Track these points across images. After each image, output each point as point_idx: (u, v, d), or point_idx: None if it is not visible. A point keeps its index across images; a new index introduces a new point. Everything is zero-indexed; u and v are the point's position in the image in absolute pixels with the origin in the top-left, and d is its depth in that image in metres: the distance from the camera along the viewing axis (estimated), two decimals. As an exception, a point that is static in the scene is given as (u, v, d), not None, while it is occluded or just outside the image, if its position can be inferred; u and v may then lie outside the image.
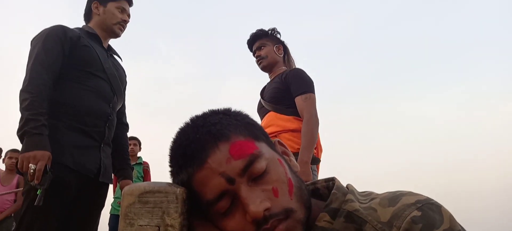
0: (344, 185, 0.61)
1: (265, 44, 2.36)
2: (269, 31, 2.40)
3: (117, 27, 1.96)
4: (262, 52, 2.35)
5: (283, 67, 2.37)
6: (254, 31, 2.42)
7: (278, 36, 2.42)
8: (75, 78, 1.73)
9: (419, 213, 0.48)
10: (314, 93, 2.15)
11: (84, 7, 2.01)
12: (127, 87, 2.14)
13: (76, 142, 1.65)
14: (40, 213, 1.53)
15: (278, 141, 0.63)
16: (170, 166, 0.59)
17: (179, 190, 0.51)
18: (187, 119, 0.62)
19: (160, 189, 0.51)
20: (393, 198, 0.52)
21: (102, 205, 1.90)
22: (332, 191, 0.57)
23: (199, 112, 0.62)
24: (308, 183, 0.64)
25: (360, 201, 0.55)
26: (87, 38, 1.84)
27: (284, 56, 2.41)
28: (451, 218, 0.49)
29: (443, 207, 0.50)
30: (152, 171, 4.42)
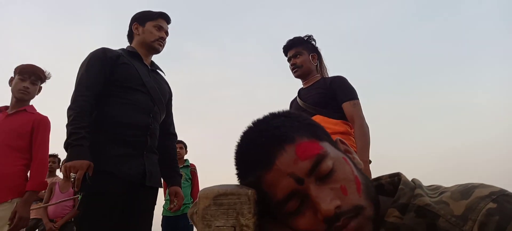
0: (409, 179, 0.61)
1: (301, 53, 2.44)
2: (305, 38, 2.48)
3: (156, 44, 2.10)
4: (298, 61, 2.44)
5: (318, 75, 2.46)
6: (291, 37, 2.50)
7: (314, 43, 2.49)
8: (116, 94, 1.88)
9: (494, 205, 0.47)
10: (359, 100, 2.27)
11: (127, 29, 2.19)
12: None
13: (119, 152, 1.79)
14: (92, 219, 1.69)
15: (340, 140, 0.64)
16: (237, 169, 0.62)
17: (250, 192, 0.54)
18: (249, 122, 0.64)
19: (232, 191, 0.54)
20: (465, 191, 0.51)
21: (151, 208, 2.02)
22: (400, 187, 0.57)
23: (260, 116, 0.65)
24: (371, 179, 0.65)
25: (429, 195, 0.55)
26: (127, 57, 1.99)
27: (317, 64, 2.49)
28: None
29: None
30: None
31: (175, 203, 2.13)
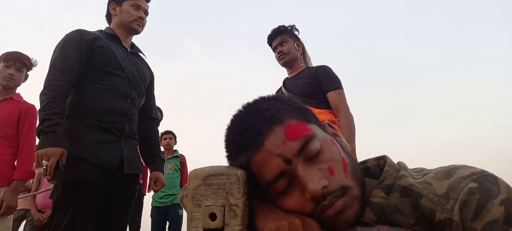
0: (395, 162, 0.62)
1: (287, 41, 2.48)
2: (289, 28, 2.51)
3: (134, 24, 2.01)
4: (284, 48, 2.47)
5: (302, 64, 2.50)
6: (275, 27, 2.52)
7: (297, 33, 2.54)
8: (93, 78, 1.80)
9: (475, 185, 0.49)
10: (343, 89, 2.31)
11: (105, 10, 2.10)
12: (156, 84, 2.20)
13: (96, 138, 1.73)
14: (67, 207, 1.63)
15: (328, 123, 0.65)
16: (227, 151, 0.63)
17: (240, 172, 0.55)
18: (239, 106, 0.65)
19: (222, 171, 0.55)
20: (448, 171, 0.53)
21: (132, 196, 1.96)
22: (385, 168, 0.59)
23: (250, 99, 0.66)
24: (358, 162, 0.66)
25: (413, 176, 0.57)
26: (105, 39, 1.90)
27: (301, 53, 2.53)
28: (508, 188, 0.49)
29: (500, 178, 0.51)
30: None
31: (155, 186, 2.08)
